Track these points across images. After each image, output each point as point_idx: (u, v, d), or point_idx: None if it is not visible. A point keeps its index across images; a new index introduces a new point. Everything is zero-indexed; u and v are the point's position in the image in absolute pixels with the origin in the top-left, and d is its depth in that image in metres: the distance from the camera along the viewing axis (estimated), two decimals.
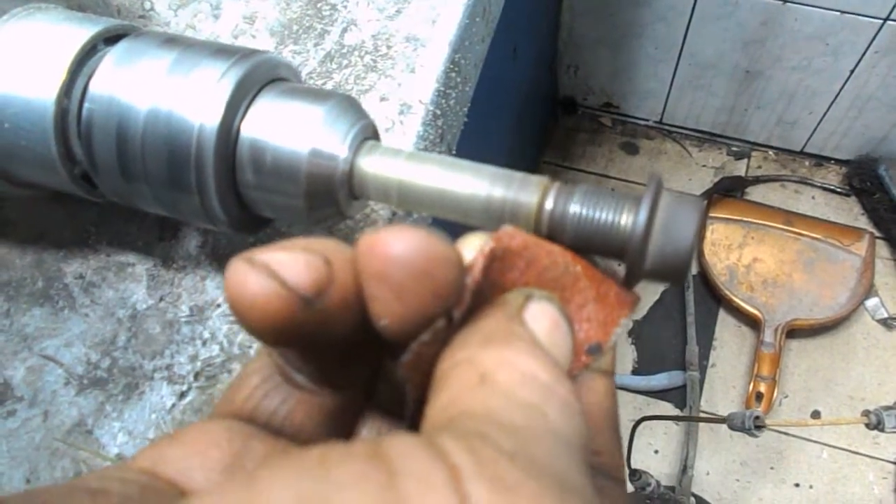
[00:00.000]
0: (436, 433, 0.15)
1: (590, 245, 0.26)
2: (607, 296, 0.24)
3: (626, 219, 0.25)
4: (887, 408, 0.86)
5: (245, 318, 0.18)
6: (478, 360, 0.18)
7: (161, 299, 0.39)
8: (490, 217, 0.27)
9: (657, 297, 1.52)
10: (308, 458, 0.14)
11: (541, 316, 0.20)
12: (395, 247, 0.18)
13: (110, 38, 0.32)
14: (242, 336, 0.37)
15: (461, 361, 0.18)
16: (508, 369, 0.18)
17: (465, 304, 0.20)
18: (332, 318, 0.18)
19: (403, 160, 0.28)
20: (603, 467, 0.21)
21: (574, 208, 0.26)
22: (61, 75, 0.31)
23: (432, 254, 0.18)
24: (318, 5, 0.43)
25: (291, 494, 0.13)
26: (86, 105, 0.31)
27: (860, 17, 1.26)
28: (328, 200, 0.29)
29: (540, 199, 0.26)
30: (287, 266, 0.17)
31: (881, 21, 1.25)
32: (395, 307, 0.18)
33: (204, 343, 0.38)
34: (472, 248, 0.21)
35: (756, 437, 0.92)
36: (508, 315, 0.20)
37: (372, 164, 0.28)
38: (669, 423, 1.40)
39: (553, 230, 0.26)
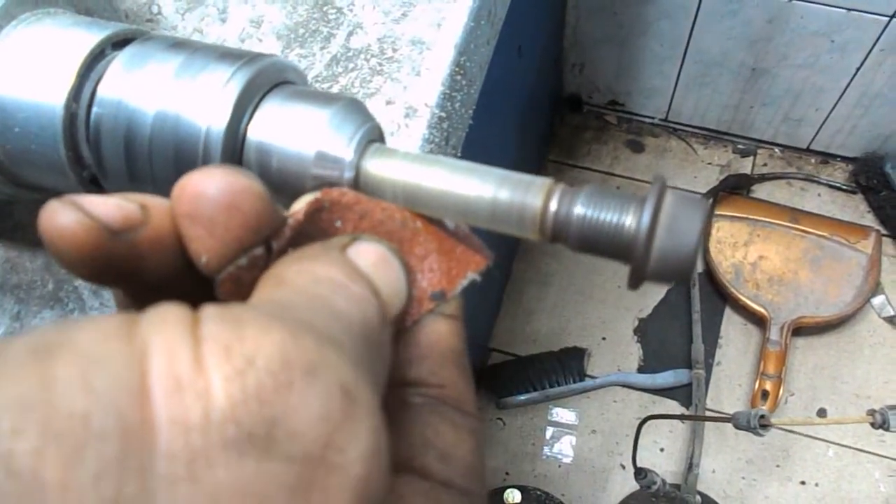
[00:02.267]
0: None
1: (594, 246, 0.27)
2: (452, 251, 0.26)
3: (630, 220, 0.26)
4: (892, 407, 0.86)
5: (55, 248, 0.19)
6: (280, 272, 0.19)
7: None
8: (495, 219, 0.27)
9: (662, 295, 1.52)
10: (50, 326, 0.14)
11: (365, 252, 0.21)
12: (202, 185, 0.19)
13: (118, 43, 0.33)
14: None
15: (267, 276, 0.19)
16: (305, 274, 0.19)
17: (285, 237, 0.21)
18: (148, 255, 0.20)
19: (409, 163, 0.28)
20: (448, 399, 0.22)
21: (578, 210, 0.26)
22: (70, 80, 0.31)
23: (237, 187, 0.19)
24: (324, 9, 0.44)
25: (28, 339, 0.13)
26: (94, 109, 0.31)
27: (866, 15, 1.25)
28: None
29: (544, 201, 0.26)
30: (96, 204, 0.19)
31: (887, 18, 1.25)
32: (210, 243, 0.20)
33: None
34: (303, 201, 0.23)
35: (761, 436, 0.92)
36: (327, 246, 0.21)
37: (377, 167, 0.29)
38: (675, 421, 1.41)
39: (558, 232, 0.26)
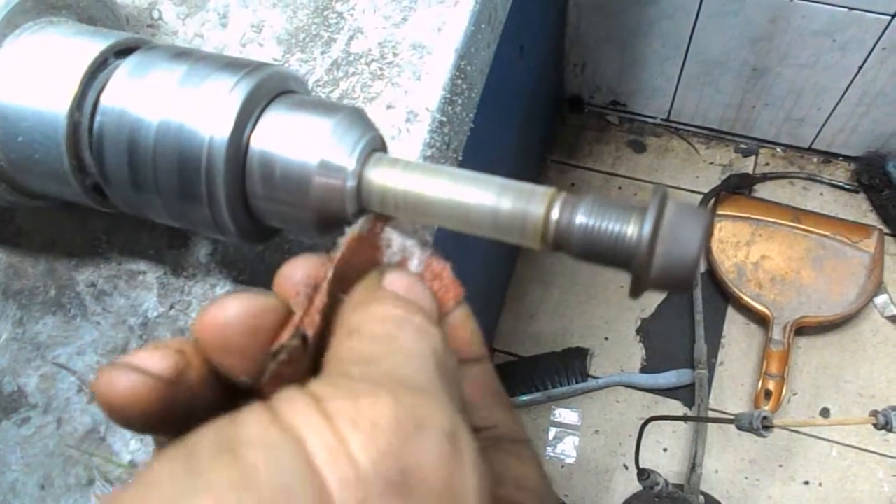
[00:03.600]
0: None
1: (596, 255, 0.27)
2: (438, 280, 0.27)
3: (632, 229, 0.26)
4: (895, 407, 0.85)
5: (120, 412, 0.20)
6: (347, 321, 0.22)
7: (171, 307, 0.39)
8: (497, 228, 0.27)
9: (665, 295, 1.52)
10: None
11: (397, 279, 0.25)
12: (222, 317, 0.21)
13: (121, 52, 0.33)
14: None
15: (337, 326, 0.22)
16: (369, 317, 0.22)
17: (316, 323, 0.23)
18: (200, 393, 0.22)
19: (411, 172, 0.28)
20: (504, 436, 0.25)
21: (580, 219, 0.26)
22: (73, 88, 0.31)
23: (254, 310, 0.22)
24: (325, 13, 0.44)
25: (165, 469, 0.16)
26: (97, 118, 0.31)
27: (868, 14, 1.25)
28: (336, 212, 0.30)
29: (546, 210, 0.26)
30: (145, 360, 0.21)
31: (889, 17, 1.24)
32: (246, 365, 0.22)
33: None
34: (301, 271, 0.25)
35: (764, 437, 0.92)
36: (368, 286, 0.24)
37: (379, 176, 0.29)
38: (678, 421, 1.40)
39: (559, 241, 0.27)
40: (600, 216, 0.26)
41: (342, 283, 0.24)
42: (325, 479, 0.16)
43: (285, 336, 0.22)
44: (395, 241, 0.27)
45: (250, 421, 0.17)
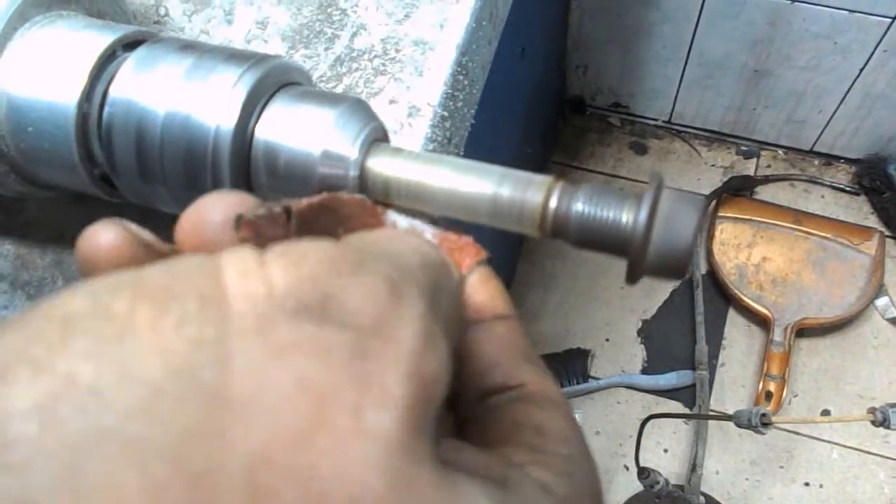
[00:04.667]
0: None
1: (593, 242, 0.27)
2: (456, 246, 0.27)
3: (628, 216, 0.26)
4: (893, 405, 0.86)
5: (92, 262, 0.19)
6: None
7: None
8: (497, 215, 0.28)
9: (666, 296, 1.52)
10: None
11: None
12: (195, 216, 0.20)
13: (129, 45, 0.33)
14: None
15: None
16: (366, 234, 0.20)
17: (303, 204, 0.22)
18: None
19: (412, 161, 0.29)
20: (533, 395, 0.22)
21: (577, 207, 0.27)
22: (82, 80, 0.32)
23: (232, 205, 0.20)
24: (329, 10, 0.44)
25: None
26: (106, 109, 0.32)
27: (869, 17, 1.26)
28: None
29: (544, 198, 0.27)
30: (132, 225, 0.20)
31: (890, 20, 1.25)
32: None
33: None
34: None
35: (763, 434, 0.92)
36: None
37: (381, 166, 0.29)
38: (679, 422, 1.41)
39: (557, 228, 0.27)
40: (597, 204, 0.27)
41: (340, 223, 0.24)
42: (226, 291, 0.15)
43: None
44: (400, 222, 0.27)
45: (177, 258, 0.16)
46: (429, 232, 0.27)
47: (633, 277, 0.27)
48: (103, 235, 0.19)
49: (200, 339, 0.14)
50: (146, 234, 0.20)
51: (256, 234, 0.20)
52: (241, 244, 0.19)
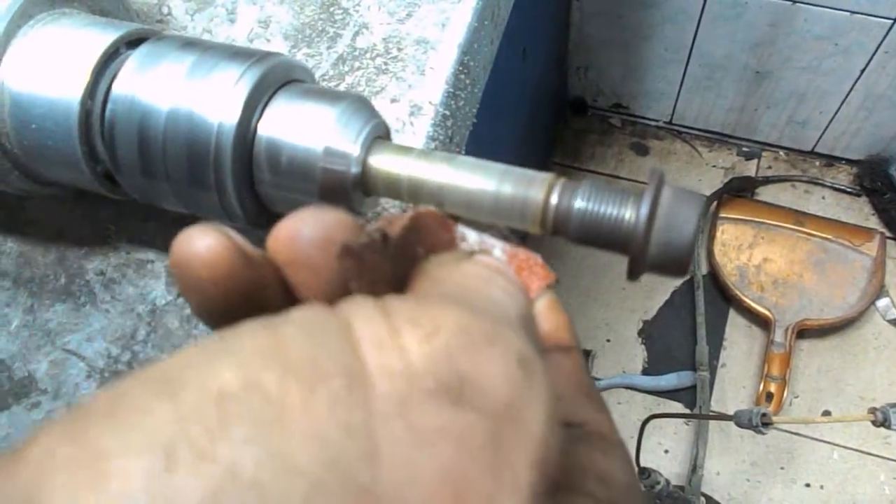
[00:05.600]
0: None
1: (594, 239, 0.27)
2: (525, 266, 0.26)
3: (629, 213, 0.26)
4: (894, 405, 0.86)
5: (193, 273, 0.19)
6: (430, 273, 0.21)
7: (179, 295, 0.40)
8: (498, 212, 0.28)
9: (667, 297, 1.52)
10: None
11: (487, 257, 0.23)
12: (291, 231, 0.20)
13: (132, 42, 0.34)
14: None
15: (418, 275, 0.21)
16: (455, 272, 0.20)
17: (397, 229, 0.22)
18: (270, 303, 0.20)
19: (413, 158, 0.29)
20: (594, 436, 0.22)
21: (578, 204, 0.27)
22: (85, 77, 0.32)
23: (328, 222, 0.20)
24: (331, 9, 0.45)
25: (250, 338, 0.15)
26: (109, 106, 0.32)
27: (870, 18, 1.26)
28: (341, 198, 0.31)
29: (546, 195, 0.27)
30: (227, 230, 0.20)
31: (890, 21, 1.25)
32: (315, 283, 0.20)
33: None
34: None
35: (763, 433, 0.92)
36: (458, 255, 0.23)
37: (383, 162, 0.29)
38: (679, 422, 1.41)
39: (558, 224, 0.27)
40: (598, 201, 0.27)
41: (419, 240, 0.23)
42: (366, 363, 0.15)
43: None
44: (469, 235, 0.26)
45: (302, 307, 0.16)
46: (498, 247, 0.26)
47: (634, 274, 0.27)
48: (201, 241, 0.19)
49: (350, 424, 0.14)
50: (244, 243, 0.20)
51: (358, 261, 0.20)
52: (346, 271, 0.20)
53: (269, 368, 0.14)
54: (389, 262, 0.21)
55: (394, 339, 0.15)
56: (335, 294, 0.20)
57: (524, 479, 0.15)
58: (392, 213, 0.24)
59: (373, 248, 0.21)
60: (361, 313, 0.16)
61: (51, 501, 0.12)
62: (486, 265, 0.21)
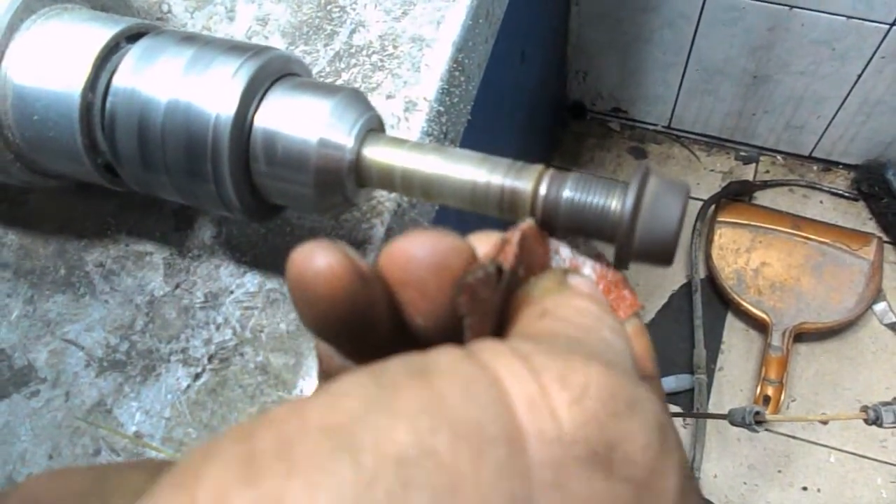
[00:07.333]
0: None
1: (581, 228, 0.28)
2: (614, 291, 0.27)
3: (616, 203, 0.27)
4: (885, 403, 0.86)
5: (309, 289, 0.19)
6: (538, 302, 0.21)
7: (177, 286, 0.40)
8: (488, 202, 0.28)
9: (665, 300, 1.53)
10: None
11: (582, 282, 0.23)
12: (410, 250, 0.20)
13: (132, 36, 0.34)
14: (254, 321, 0.39)
15: (522, 304, 0.21)
16: (565, 303, 0.20)
17: (510, 259, 0.22)
18: (378, 321, 0.20)
19: (406, 150, 0.30)
20: (655, 388, 0.23)
21: (566, 193, 0.27)
22: (86, 71, 0.33)
23: (442, 247, 0.20)
24: (328, 7, 0.45)
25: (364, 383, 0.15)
26: (109, 99, 0.33)
27: (866, 23, 1.27)
28: (336, 188, 0.31)
29: (534, 185, 0.28)
30: (343, 246, 0.20)
31: (887, 26, 1.26)
32: (423, 305, 0.20)
33: (217, 328, 0.39)
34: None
35: (757, 432, 0.93)
36: (557, 278, 0.23)
37: (376, 154, 0.30)
38: (677, 425, 1.41)
39: (547, 214, 0.28)
40: (586, 191, 0.28)
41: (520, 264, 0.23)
42: (523, 427, 0.15)
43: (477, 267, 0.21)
44: (563, 250, 0.26)
45: (443, 353, 0.16)
46: (588, 266, 0.26)
47: (621, 263, 0.28)
48: (321, 258, 0.19)
49: (515, 495, 0.14)
50: (360, 260, 0.20)
51: (473, 296, 0.20)
52: (459, 303, 0.20)
53: (439, 432, 0.14)
54: (501, 294, 0.22)
55: (544, 401, 0.15)
56: (443, 317, 0.20)
57: None
58: (499, 236, 0.24)
59: (487, 282, 0.21)
60: (508, 367, 0.16)
61: None
62: (591, 297, 0.21)
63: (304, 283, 0.19)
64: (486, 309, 0.21)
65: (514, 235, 0.23)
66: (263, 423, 0.14)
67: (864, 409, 0.88)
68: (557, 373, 0.16)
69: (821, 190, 1.61)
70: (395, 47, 0.43)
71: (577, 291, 0.22)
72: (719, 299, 1.52)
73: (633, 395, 0.16)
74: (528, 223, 0.25)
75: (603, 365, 0.17)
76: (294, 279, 0.19)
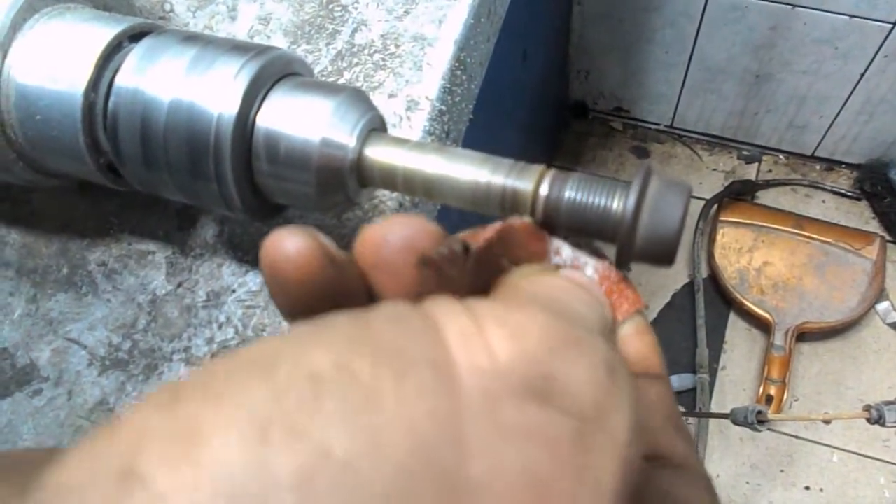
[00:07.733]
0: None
1: (583, 228, 0.28)
2: (616, 289, 0.26)
3: (617, 203, 0.27)
4: (888, 403, 0.86)
5: (280, 273, 0.19)
6: (513, 284, 0.21)
7: (179, 285, 0.41)
8: (490, 202, 0.28)
9: (667, 299, 1.53)
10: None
11: (575, 273, 0.23)
12: (377, 236, 0.21)
13: (134, 36, 0.34)
14: (256, 319, 0.39)
15: (501, 285, 0.21)
16: (537, 284, 0.21)
17: (481, 240, 0.22)
18: (347, 295, 0.20)
19: (408, 150, 0.30)
20: (679, 466, 0.22)
21: (568, 194, 0.27)
22: (89, 70, 0.33)
23: (413, 229, 0.21)
24: (330, 7, 0.45)
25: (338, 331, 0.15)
26: (112, 98, 0.33)
27: (869, 22, 1.26)
28: (338, 188, 0.31)
29: (536, 185, 0.28)
30: (314, 231, 0.20)
31: (890, 25, 1.26)
32: (397, 284, 0.21)
33: (220, 326, 0.39)
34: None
35: (759, 431, 0.93)
36: (542, 268, 0.23)
37: (378, 153, 0.30)
38: None
39: (548, 214, 0.28)
40: (587, 191, 0.28)
41: (505, 252, 0.23)
42: (454, 359, 0.15)
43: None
44: (564, 250, 0.26)
45: (386, 302, 0.17)
46: (591, 266, 0.26)
47: (623, 263, 0.28)
48: (290, 243, 0.19)
49: (438, 413, 0.14)
50: (331, 245, 0.20)
51: (437, 271, 0.21)
52: (425, 280, 0.20)
53: (360, 354, 0.14)
54: (469, 274, 0.22)
55: (480, 337, 0.15)
56: (412, 296, 0.20)
57: (608, 484, 0.15)
58: (483, 226, 0.24)
59: (452, 259, 0.21)
60: (447, 310, 0.16)
61: (147, 469, 0.12)
62: (571, 279, 0.21)
63: (276, 268, 0.19)
64: (454, 288, 0.21)
65: (498, 223, 0.23)
66: (198, 369, 0.15)
67: (867, 408, 0.88)
68: (496, 316, 0.16)
69: (823, 189, 1.61)
70: (396, 46, 0.43)
71: (559, 275, 0.22)
72: (722, 299, 1.52)
73: (578, 337, 0.16)
74: (520, 219, 0.25)
75: (548, 312, 0.17)
76: (266, 265, 0.20)
